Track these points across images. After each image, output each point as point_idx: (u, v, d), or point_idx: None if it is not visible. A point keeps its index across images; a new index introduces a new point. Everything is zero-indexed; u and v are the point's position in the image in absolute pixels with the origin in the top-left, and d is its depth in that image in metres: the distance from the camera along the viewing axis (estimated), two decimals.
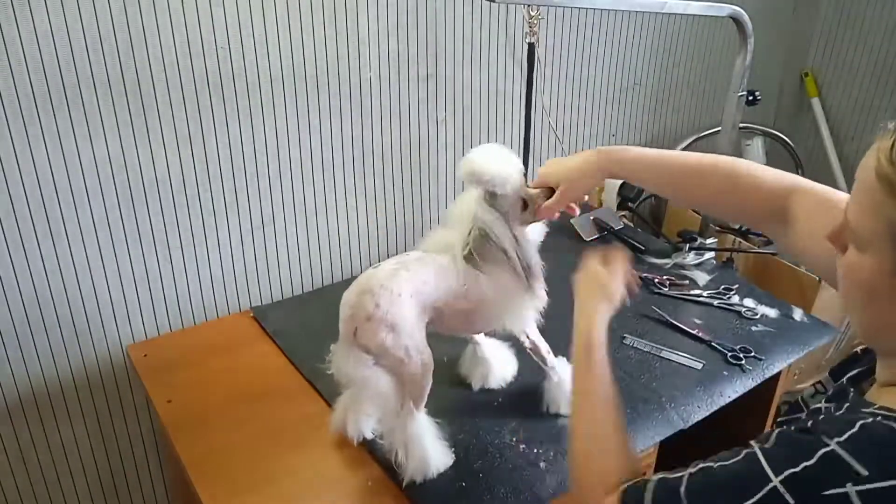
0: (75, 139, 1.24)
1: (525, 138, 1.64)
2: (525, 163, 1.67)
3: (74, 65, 1.19)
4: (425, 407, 1.05)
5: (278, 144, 1.46)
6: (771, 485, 0.62)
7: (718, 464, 0.67)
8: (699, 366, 1.30)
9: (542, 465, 1.07)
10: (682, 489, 0.68)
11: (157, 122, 1.31)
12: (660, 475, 0.72)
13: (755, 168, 0.94)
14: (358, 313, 0.96)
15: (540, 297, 1.08)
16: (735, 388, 1.25)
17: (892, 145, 0.62)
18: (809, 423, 0.66)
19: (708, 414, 1.21)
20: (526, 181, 1.05)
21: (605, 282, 0.91)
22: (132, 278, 1.39)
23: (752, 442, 0.67)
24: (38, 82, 1.17)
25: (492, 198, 1.03)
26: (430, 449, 1.03)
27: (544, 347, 1.17)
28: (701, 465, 0.69)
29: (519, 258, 1.03)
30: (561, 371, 1.17)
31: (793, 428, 0.67)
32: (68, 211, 1.28)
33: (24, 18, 1.13)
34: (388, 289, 0.97)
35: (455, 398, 1.20)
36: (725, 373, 1.28)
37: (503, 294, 1.05)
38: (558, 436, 1.13)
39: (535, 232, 1.11)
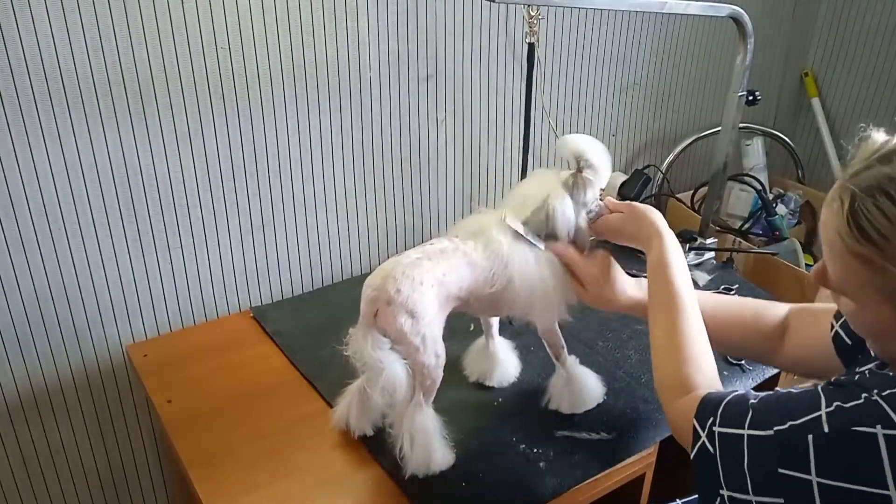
0: (75, 139, 1.24)
1: (525, 138, 1.64)
2: (525, 163, 1.68)
3: (74, 65, 1.20)
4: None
5: (278, 144, 1.46)
6: (818, 413, 0.70)
7: (787, 390, 0.77)
8: None
9: (541, 465, 1.07)
10: (751, 402, 0.78)
11: (157, 122, 1.31)
12: (740, 391, 0.83)
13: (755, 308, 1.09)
14: (380, 296, 0.97)
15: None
16: (735, 389, 1.25)
17: (848, 221, 0.69)
18: (857, 377, 0.74)
19: None
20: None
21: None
22: (132, 278, 1.39)
23: (816, 384, 0.76)
24: (38, 82, 1.17)
25: (574, 186, 1.04)
26: (434, 445, 1.04)
27: (560, 342, 1.17)
28: (776, 390, 0.79)
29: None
30: (571, 369, 1.17)
31: (844, 378, 0.75)
32: (68, 211, 1.28)
33: (24, 18, 1.13)
34: (410, 276, 0.98)
35: (455, 398, 1.20)
36: (725, 373, 1.28)
37: (539, 281, 1.05)
38: (558, 436, 1.13)
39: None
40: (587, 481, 1.06)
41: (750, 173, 2.15)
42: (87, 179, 1.28)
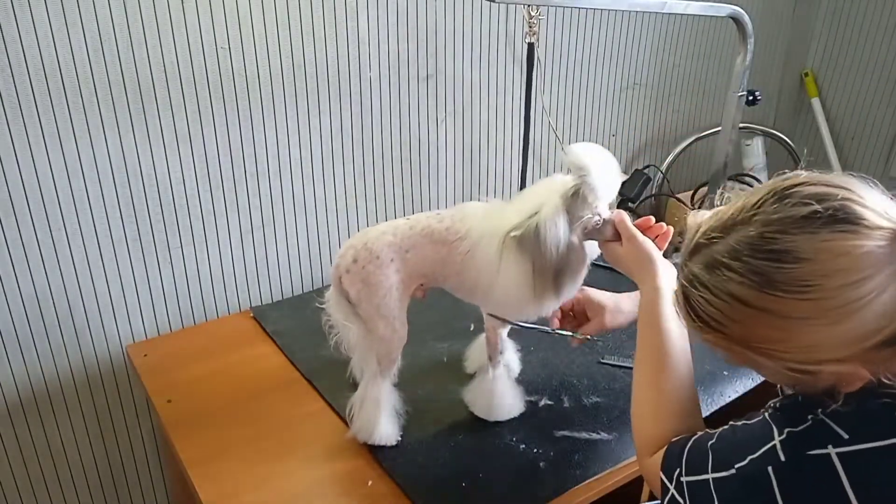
0: (75, 139, 1.24)
1: (525, 138, 1.64)
2: (524, 162, 1.68)
3: (74, 65, 1.20)
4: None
5: (278, 144, 1.46)
6: (772, 442, 0.70)
7: (742, 422, 0.76)
8: (700, 366, 1.30)
9: (542, 465, 1.07)
10: (710, 444, 0.77)
11: (157, 122, 1.31)
12: (700, 433, 0.80)
13: None
14: (341, 263, 1.05)
15: (544, 309, 1.04)
16: (735, 389, 1.25)
17: (687, 312, 0.73)
18: (800, 397, 0.73)
19: (708, 414, 1.21)
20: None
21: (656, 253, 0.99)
22: (132, 278, 1.39)
23: (764, 410, 0.76)
24: (38, 82, 1.17)
25: (573, 199, 0.97)
26: (381, 417, 1.08)
27: (499, 347, 1.14)
28: (731, 424, 0.78)
29: (555, 271, 0.98)
30: (498, 377, 1.15)
31: (787, 400, 0.75)
32: (68, 211, 1.28)
33: (24, 18, 1.13)
34: (369, 248, 1.03)
35: (455, 398, 1.20)
36: (726, 373, 1.28)
37: (501, 280, 1.00)
38: (558, 436, 1.13)
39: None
40: (587, 481, 1.06)
41: (750, 173, 2.15)
42: (87, 179, 1.28)
